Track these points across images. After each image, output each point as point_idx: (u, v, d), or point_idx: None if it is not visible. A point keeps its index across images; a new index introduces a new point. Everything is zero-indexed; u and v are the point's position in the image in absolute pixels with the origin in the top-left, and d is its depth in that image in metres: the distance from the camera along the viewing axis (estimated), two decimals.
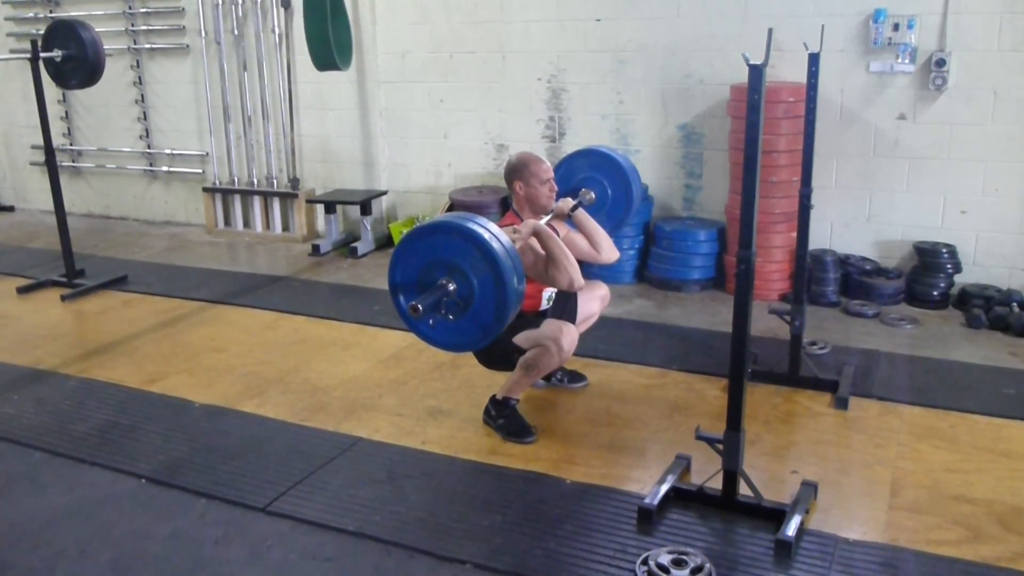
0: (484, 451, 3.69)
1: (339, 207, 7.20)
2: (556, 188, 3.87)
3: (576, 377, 4.33)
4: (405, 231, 6.55)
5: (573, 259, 3.62)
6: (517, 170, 3.84)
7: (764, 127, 5.27)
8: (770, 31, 2.89)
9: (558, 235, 3.69)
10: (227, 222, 7.89)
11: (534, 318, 3.84)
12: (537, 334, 3.69)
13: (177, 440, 3.86)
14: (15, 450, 3.82)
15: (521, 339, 3.71)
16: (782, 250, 5.51)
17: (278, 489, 3.40)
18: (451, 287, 3.02)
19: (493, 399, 3.88)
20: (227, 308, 5.74)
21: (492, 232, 3.02)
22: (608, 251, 4.00)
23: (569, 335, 3.65)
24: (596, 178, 4.18)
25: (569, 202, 3.92)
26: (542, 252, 3.60)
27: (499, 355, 3.77)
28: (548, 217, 3.82)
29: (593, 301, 4.13)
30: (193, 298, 5.92)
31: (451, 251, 3.02)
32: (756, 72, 2.76)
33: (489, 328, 3.07)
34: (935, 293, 5.32)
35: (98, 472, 3.61)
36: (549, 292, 3.91)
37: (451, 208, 6.61)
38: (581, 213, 3.95)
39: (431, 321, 3.06)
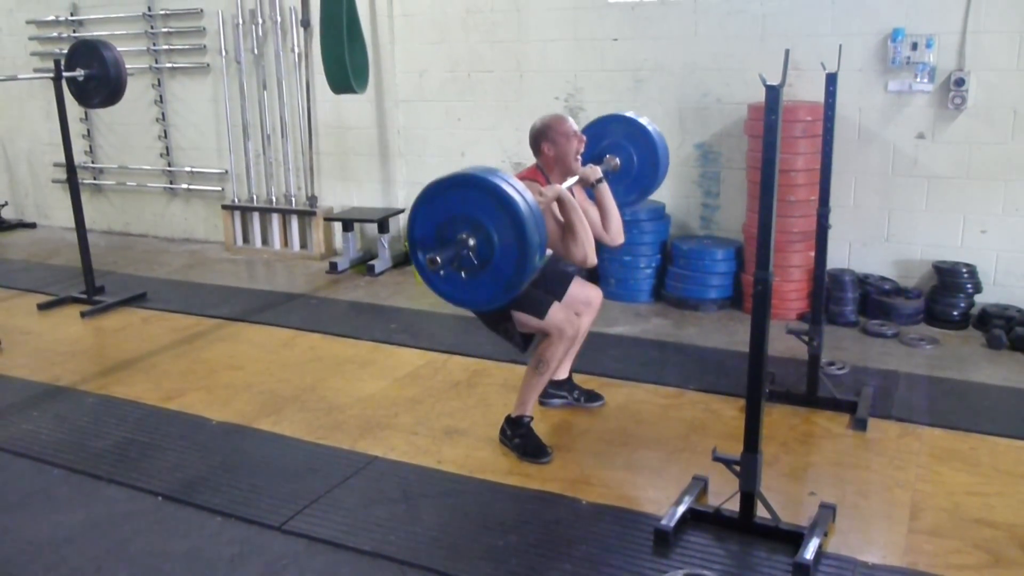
0: (500, 471, 3.68)
1: (357, 225, 7.24)
2: (584, 139, 3.83)
3: (593, 397, 4.32)
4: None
5: (591, 234, 3.62)
6: (543, 133, 3.80)
7: (782, 146, 5.29)
8: (787, 52, 2.88)
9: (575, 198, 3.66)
10: (246, 239, 7.94)
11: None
12: (537, 323, 3.68)
13: (194, 458, 3.87)
14: (33, 466, 3.84)
15: (520, 319, 3.70)
16: (800, 269, 5.48)
17: (294, 508, 3.40)
18: (471, 242, 2.97)
19: (508, 418, 3.88)
20: (245, 326, 5.76)
21: (516, 188, 2.97)
22: (616, 233, 3.93)
23: (571, 322, 3.72)
24: (623, 145, 4.12)
25: (597, 171, 3.86)
26: (561, 219, 3.57)
27: (495, 318, 3.77)
28: (573, 180, 3.77)
29: (587, 288, 4.12)
30: (211, 315, 5.95)
31: (472, 206, 2.96)
32: (773, 93, 2.76)
33: (509, 285, 3.02)
34: (955, 313, 5.27)
35: (115, 489, 3.63)
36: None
37: None
38: (604, 187, 3.88)
39: (441, 272, 2.98)
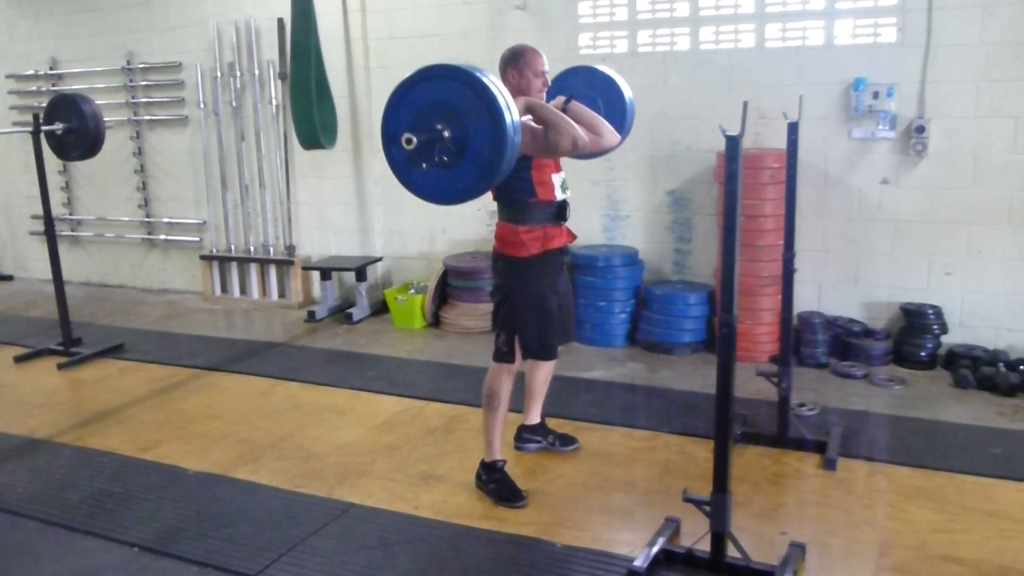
0: (476, 515, 3.71)
1: (335, 274, 7.30)
2: (549, 83, 3.83)
3: (567, 440, 4.36)
4: (397, 299, 6.62)
5: (572, 121, 3.59)
6: (512, 59, 3.77)
7: (750, 192, 5.44)
8: (745, 104, 3.00)
9: None
10: (224, 289, 7.97)
11: (548, 210, 3.79)
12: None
13: (170, 508, 3.88)
14: (9, 520, 3.83)
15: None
16: (771, 312, 5.58)
17: (270, 556, 3.42)
18: (446, 133, 2.99)
19: (482, 463, 3.93)
20: (223, 375, 5.78)
21: (482, 71, 3.02)
22: (609, 135, 3.80)
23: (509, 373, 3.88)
24: (590, 95, 4.06)
25: (561, 98, 3.81)
26: (536, 127, 3.57)
27: (503, 315, 3.88)
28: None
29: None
30: (189, 365, 5.96)
31: (442, 93, 2.99)
32: (733, 143, 2.87)
33: (489, 168, 3.01)
34: (922, 354, 5.38)
35: (91, 541, 3.62)
36: (560, 178, 3.84)
37: (445, 274, 6.70)
38: (575, 105, 3.78)
39: (424, 164, 3.02)
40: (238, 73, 7.56)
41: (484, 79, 2.99)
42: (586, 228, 6.46)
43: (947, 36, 5.26)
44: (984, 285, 5.42)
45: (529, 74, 3.75)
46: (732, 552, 3.14)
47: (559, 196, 3.83)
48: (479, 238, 6.94)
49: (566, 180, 3.89)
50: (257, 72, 7.43)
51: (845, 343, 5.54)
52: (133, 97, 8.11)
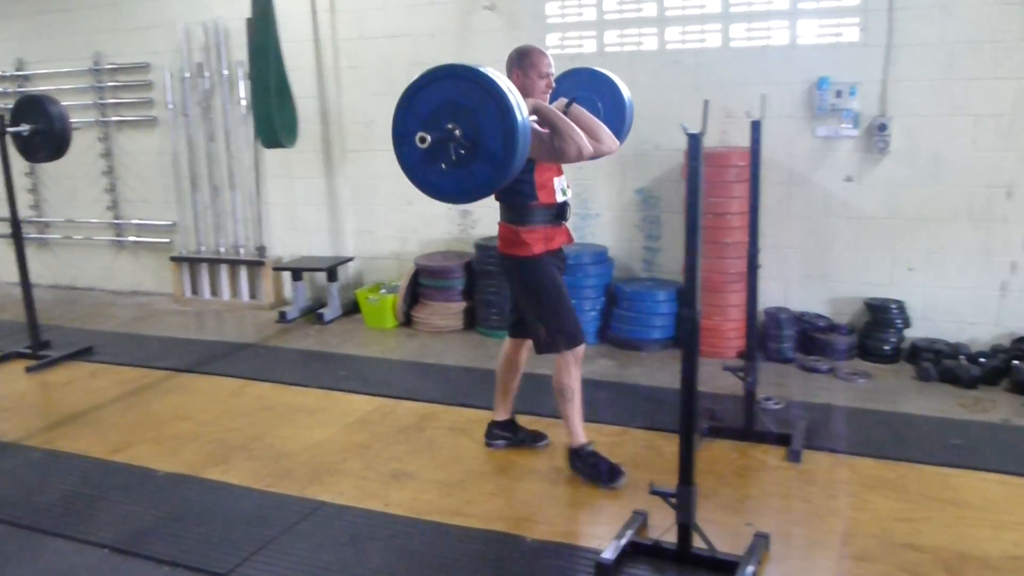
0: (447, 512, 3.74)
1: (306, 274, 7.30)
2: (553, 85, 3.85)
3: (537, 437, 4.40)
4: (369, 299, 6.63)
5: (577, 128, 3.64)
6: (518, 60, 3.81)
7: (717, 190, 5.51)
8: (706, 103, 3.05)
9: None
10: (195, 291, 7.95)
11: (548, 211, 3.86)
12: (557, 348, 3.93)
13: (141, 509, 3.88)
14: None
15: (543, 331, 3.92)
16: (738, 309, 5.65)
17: (241, 555, 3.43)
18: (457, 132, 3.04)
19: (571, 450, 4.04)
20: (193, 376, 5.77)
21: (490, 70, 3.07)
22: (609, 141, 3.85)
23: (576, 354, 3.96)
24: (590, 97, 4.11)
25: (563, 101, 3.84)
26: (543, 131, 3.62)
27: (533, 308, 3.95)
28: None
29: None
30: (159, 367, 5.95)
31: (452, 92, 3.04)
32: (694, 141, 2.92)
33: (501, 164, 3.07)
34: (886, 348, 5.47)
35: (61, 543, 3.61)
36: (561, 183, 3.90)
37: (416, 274, 6.73)
38: (576, 109, 3.84)
39: (436, 164, 3.07)
40: (207, 74, 7.54)
41: (493, 77, 3.04)
42: None
43: (908, 36, 5.36)
44: (946, 280, 5.52)
45: (533, 75, 3.79)
46: (698, 543, 3.20)
47: (559, 198, 3.90)
48: (450, 238, 6.97)
49: (566, 183, 3.95)
50: (226, 73, 7.42)
51: (811, 338, 5.62)
52: (101, 98, 8.07)
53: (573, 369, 3.96)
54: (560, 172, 3.93)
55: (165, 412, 5.11)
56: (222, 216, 7.78)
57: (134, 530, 3.68)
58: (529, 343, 4.19)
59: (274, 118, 6.31)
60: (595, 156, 3.80)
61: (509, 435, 4.38)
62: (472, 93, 3.04)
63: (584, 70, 4.36)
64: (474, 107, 3.03)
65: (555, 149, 3.64)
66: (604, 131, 3.86)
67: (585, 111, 3.89)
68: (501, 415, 4.38)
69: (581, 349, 3.97)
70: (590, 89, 4.17)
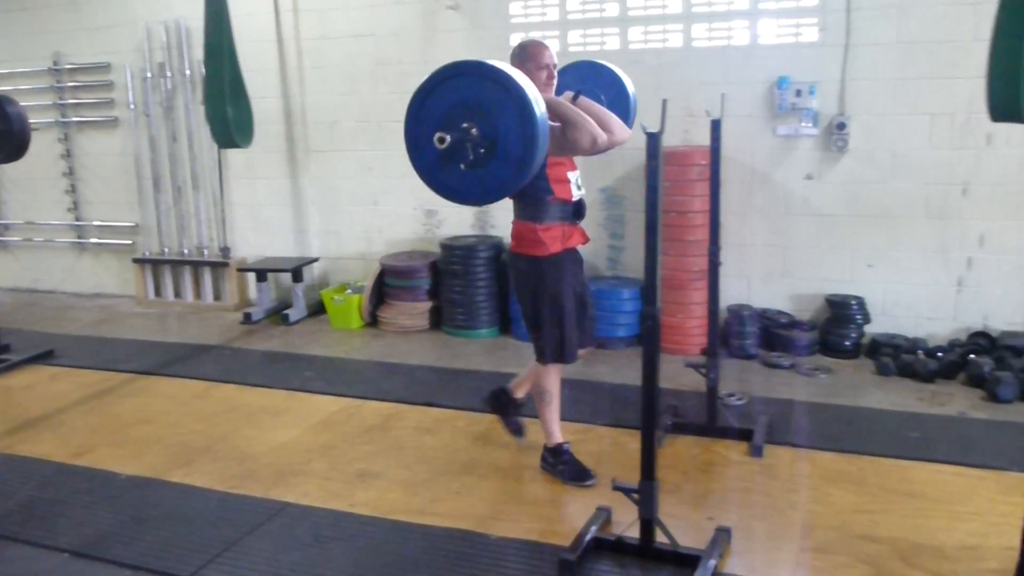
0: (412, 511, 3.74)
1: (271, 275, 7.25)
2: (555, 77, 3.76)
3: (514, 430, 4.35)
4: (334, 300, 6.62)
5: (588, 117, 3.57)
6: (516, 54, 3.75)
7: (679, 189, 5.55)
8: (664, 102, 3.09)
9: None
10: (158, 293, 7.88)
11: (565, 208, 3.78)
12: (546, 355, 3.88)
13: (103, 513, 3.84)
14: None
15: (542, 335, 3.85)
16: (701, 306, 5.68)
17: (204, 557, 3.41)
18: (474, 131, 2.95)
19: (547, 448, 4.05)
20: (157, 379, 5.72)
21: (504, 65, 3.00)
22: (620, 130, 3.77)
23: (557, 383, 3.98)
24: (593, 91, 4.01)
25: (569, 94, 3.76)
26: (553, 124, 3.50)
27: (532, 314, 3.86)
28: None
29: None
30: (122, 370, 5.89)
31: (467, 91, 2.96)
32: (653, 140, 2.95)
33: (520, 160, 2.97)
34: (847, 343, 5.55)
35: (21, 549, 3.57)
36: (576, 175, 3.83)
37: (382, 274, 6.72)
38: (584, 100, 3.75)
39: (453, 165, 2.98)
40: (169, 74, 7.48)
41: (509, 72, 2.96)
42: None
43: (865, 36, 5.44)
44: (904, 276, 5.61)
45: (531, 66, 3.66)
46: (661, 538, 3.23)
47: (575, 194, 3.81)
48: (416, 237, 6.97)
49: (579, 178, 3.87)
50: (188, 72, 7.36)
51: (773, 334, 5.69)
52: (61, 98, 7.97)
53: (554, 375, 3.96)
54: (574, 166, 3.84)
55: (128, 415, 5.07)
56: (185, 217, 7.72)
57: (95, 534, 3.65)
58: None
59: (229, 118, 6.28)
60: (609, 146, 3.72)
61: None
62: (488, 90, 2.94)
63: (586, 63, 4.31)
64: (491, 105, 2.93)
65: (567, 141, 3.55)
66: (615, 120, 3.78)
67: (593, 102, 3.81)
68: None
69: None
70: (593, 82, 4.09)
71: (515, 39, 6.34)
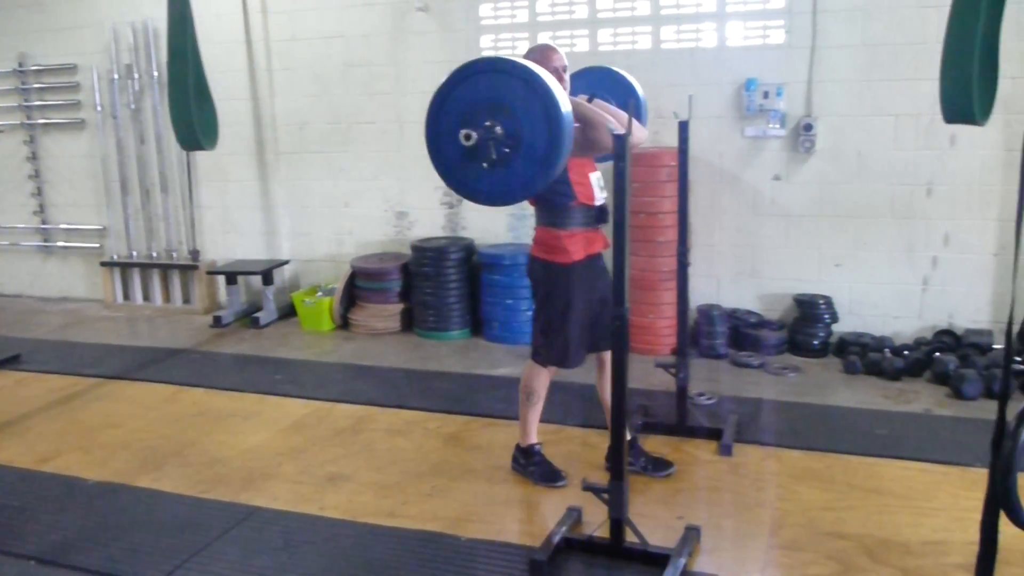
0: (382, 513, 3.74)
1: (240, 278, 7.21)
2: (567, 80, 3.69)
3: (662, 465, 4.04)
4: (305, 302, 6.58)
5: (607, 115, 3.51)
6: (526, 56, 3.61)
7: (649, 190, 5.57)
8: (631, 104, 3.11)
9: None
10: (126, 296, 7.80)
11: (588, 212, 3.74)
12: (537, 357, 3.89)
13: (69, 519, 3.80)
14: None
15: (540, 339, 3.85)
16: (672, 307, 5.63)
17: (172, 563, 3.38)
18: (498, 129, 2.90)
19: (518, 447, 4.04)
20: (125, 383, 5.66)
21: (528, 62, 2.95)
22: (637, 130, 3.66)
23: (544, 386, 3.95)
24: (604, 97, 3.94)
25: (583, 97, 3.72)
26: (575, 125, 3.36)
27: (536, 316, 3.86)
28: None
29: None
30: (89, 375, 5.82)
31: (490, 89, 2.91)
32: (620, 141, 2.97)
33: (545, 159, 2.91)
34: (815, 342, 5.61)
35: None
36: (597, 176, 3.79)
37: (352, 276, 6.70)
38: (599, 102, 3.72)
39: (476, 164, 2.92)
40: (136, 75, 7.41)
41: (534, 69, 2.91)
42: (492, 227, 6.56)
43: (831, 38, 5.50)
44: (871, 275, 5.68)
45: None
46: (631, 538, 3.24)
47: (598, 197, 3.77)
48: (386, 239, 6.95)
49: (601, 178, 3.83)
50: (156, 74, 7.30)
51: (742, 334, 5.73)
52: (26, 100, 7.87)
53: (545, 377, 3.93)
54: (594, 167, 3.81)
55: (95, 420, 5.01)
56: (154, 220, 7.65)
57: (62, 541, 3.60)
58: (606, 355, 3.96)
59: (193, 120, 6.24)
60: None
61: (630, 460, 3.83)
62: (512, 88, 2.89)
63: (597, 69, 4.29)
64: (515, 102, 2.88)
65: (588, 141, 3.49)
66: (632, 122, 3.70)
67: (608, 104, 3.78)
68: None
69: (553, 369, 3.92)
70: (604, 87, 4.06)
71: (485, 41, 6.37)
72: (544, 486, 3.90)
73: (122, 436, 4.75)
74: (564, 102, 2.93)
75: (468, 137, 2.88)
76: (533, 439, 4.02)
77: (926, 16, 5.25)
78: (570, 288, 3.74)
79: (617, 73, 4.23)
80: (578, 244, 3.73)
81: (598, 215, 3.79)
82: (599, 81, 4.15)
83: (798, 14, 5.55)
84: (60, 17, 7.63)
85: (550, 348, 3.83)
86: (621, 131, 3.41)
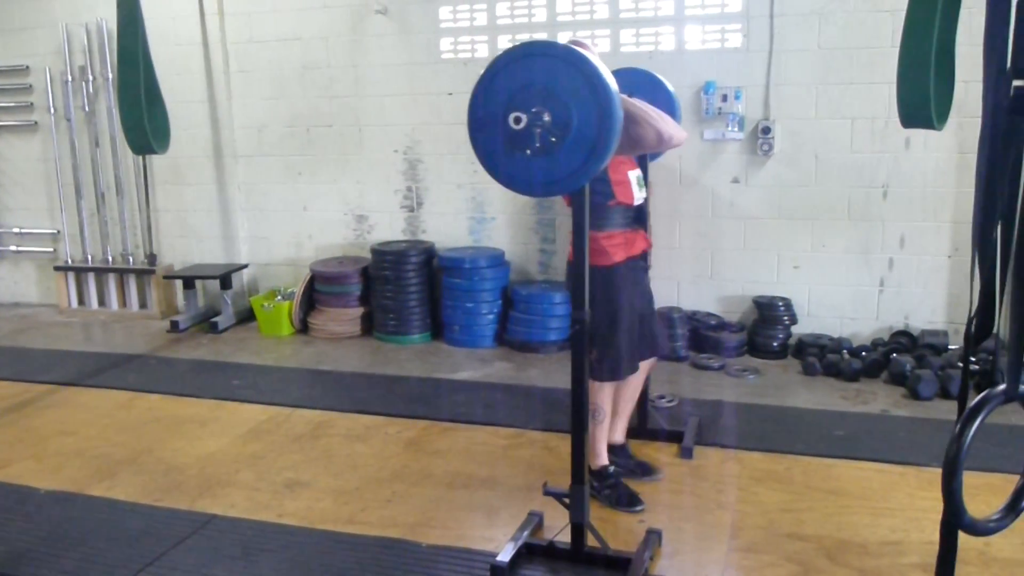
0: (342, 520, 3.70)
1: (198, 282, 7.11)
2: None
3: (649, 470, 4.03)
4: (264, 306, 6.51)
5: (653, 111, 3.41)
6: None
7: None
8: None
9: None
10: (81, 301, 7.66)
11: (627, 213, 3.66)
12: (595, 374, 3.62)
13: (19, 529, 3.71)
14: None
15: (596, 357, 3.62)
16: None
17: (128, 573, 3.32)
18: (546, 116, 2.75)
19: (591, 471, 3.58)
20: (78, 390, 5.56)
21: (578, 48, 2.83)
22: (678, 130, 3.65)
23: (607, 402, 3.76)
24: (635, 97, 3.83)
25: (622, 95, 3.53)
26: None
27: (601, 334, 3.61)
28: None
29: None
30: (42, 381, 5.70)
31: (535, 73, 2.77)
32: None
33: (594, 148, 2.76)
34: (774, 344, 5.65)
35: None
36: (636, 175, 3.69)
37: (312, 280, 6.63)
38: (638, 102, 3.51)
39: (521, 151, 2.78)
40: (90, 77, 7.28)
41: (585, 53, 2.79)
42: (452, 230, 6.54)
43: (788, 42, 5.55)
44: (828, 277, 5.74)
45: None
46: (593, 542, 3.24)
47: (638, 196, 3.68)
48: (346, 243, 6.90)
49: (642, 177, 3.76)
50: (110, 76, 7.17)
51: (703, 336, 5.76)
52: None
53: (607, 391, 3.74)
54: (635, 165, 3.70)
55: (47, 428, 4.91)
56: (109, 223, 7.52)
57: (11, 552, 3.52)
58: (649, 362, 3.94)
59: (145, 126, 6.15)
60: (675, 143, 3.59)
61: (621, 461, 3.99)
62: (561, 72, 2.74)
63: (627, 70, 4.24)
64: (564, 88, 2.73)
65: (630, 138, 3.32)
66: (671, 120, 3.64)
67: (644, 103, 3.56)
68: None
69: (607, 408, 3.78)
70: (635, 88, 3.93)
71: (445, 43, 6.34)
72: (622, 511, 3.68)
73: (75, 444, 4.65)
74: (615, 88, 2.79)
75: (518, 120, 2.74)
76: (604, 460, 3.79)
77: (880, 20, 5.32)
78: (614, 293, 3.60)
79: (643, 72, 4.23)
80: (618, 246, 3.62)
81: (636, 215, 3.71)
82: (630, 82, 3.97)
83: (755, 18, 5.59)
84: (11, 18, 7.47)
85: (601, 362, 3.65)
86: (668, 132, 3.40)
